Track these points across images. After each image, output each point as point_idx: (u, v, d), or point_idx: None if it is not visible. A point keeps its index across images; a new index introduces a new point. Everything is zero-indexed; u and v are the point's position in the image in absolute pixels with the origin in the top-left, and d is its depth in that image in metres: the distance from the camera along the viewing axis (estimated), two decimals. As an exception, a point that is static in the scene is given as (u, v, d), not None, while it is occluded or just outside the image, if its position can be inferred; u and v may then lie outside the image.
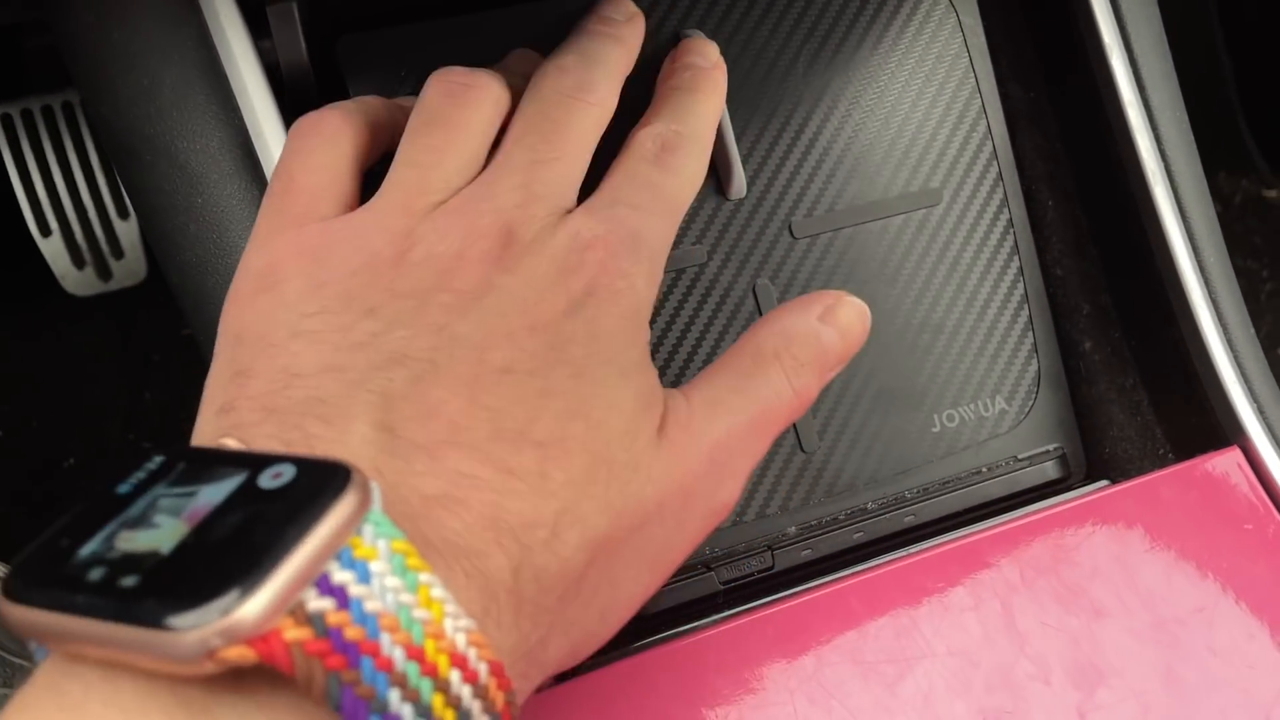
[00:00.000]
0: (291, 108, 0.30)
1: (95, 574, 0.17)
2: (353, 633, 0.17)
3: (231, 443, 0.21)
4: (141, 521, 0.18)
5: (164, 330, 0.81)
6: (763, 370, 0.27)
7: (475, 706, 0.19)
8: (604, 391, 0.25)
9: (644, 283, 0.27)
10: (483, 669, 0.19)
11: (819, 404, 0.36)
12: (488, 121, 0.28)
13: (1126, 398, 0.39)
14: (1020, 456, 0.38)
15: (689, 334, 0.36)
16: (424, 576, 0.19)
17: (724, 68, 0.34)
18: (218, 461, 0.19)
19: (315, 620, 0.17)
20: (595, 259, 0.26)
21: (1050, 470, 0.37)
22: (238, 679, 0.17)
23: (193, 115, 0.30)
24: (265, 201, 0.27)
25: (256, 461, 0.19)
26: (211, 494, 0.19)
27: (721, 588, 0.34)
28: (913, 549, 0.35)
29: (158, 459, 0.20)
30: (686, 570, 0.34)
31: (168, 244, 0.31)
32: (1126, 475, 0.38)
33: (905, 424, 0.37)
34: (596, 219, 0.27)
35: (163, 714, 0.17)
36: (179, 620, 0.16)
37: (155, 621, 0.16)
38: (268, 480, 0.19)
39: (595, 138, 0.30)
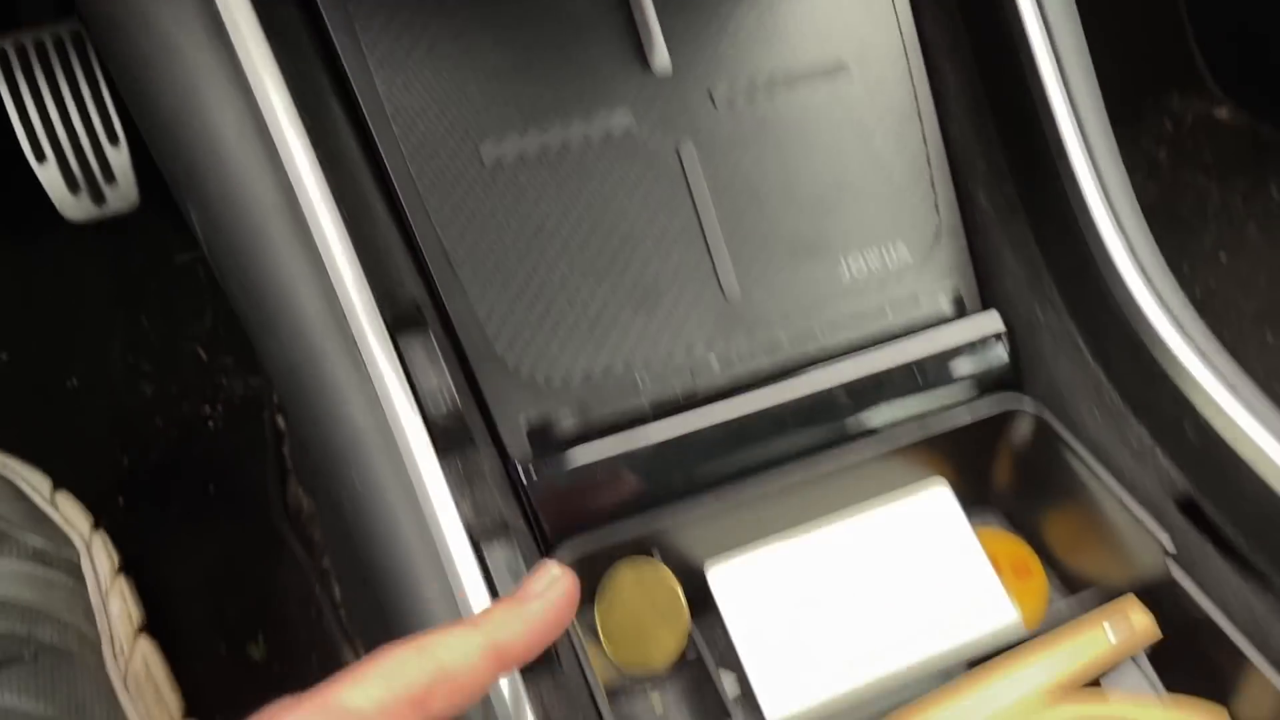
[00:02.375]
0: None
1: None
2: None
3: None
4: None
5: (158, 257, 0.85)
6: None
7: None
8: None
9: None
10: None
11: (738, 254, 0.41)
12: None
13: (1016, 242, 0.43)
14: (919, 296, 0.42)
15: (618, 193, 0.40)
16: None
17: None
18: None
19: None
20: None
21: (945, 303, 0.42)
22: None
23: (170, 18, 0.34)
24: None
25: None
26: None
27: (649, 406, 0.39)
28: (818, 373, 0.40)
29: None
30: (619, 393, 0.38)
31: (145, 102, 0.35)
32: (1016, 309, 0.42)
33: (817, 271, 0.41)
34: None
35: None
36: None
37: None
38: None
39: None
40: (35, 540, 0.58)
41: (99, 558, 0.60)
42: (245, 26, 0.35)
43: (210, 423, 0.82)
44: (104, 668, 0.55)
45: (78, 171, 0.76)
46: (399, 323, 0.35)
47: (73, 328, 0.83)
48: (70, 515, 0.61)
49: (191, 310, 0.86)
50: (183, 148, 0.35)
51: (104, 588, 0.59)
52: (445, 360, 0.36)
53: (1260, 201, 1.02)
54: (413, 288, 0.38)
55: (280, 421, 0.83)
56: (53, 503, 0.62)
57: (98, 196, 0.77)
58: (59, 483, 0.64)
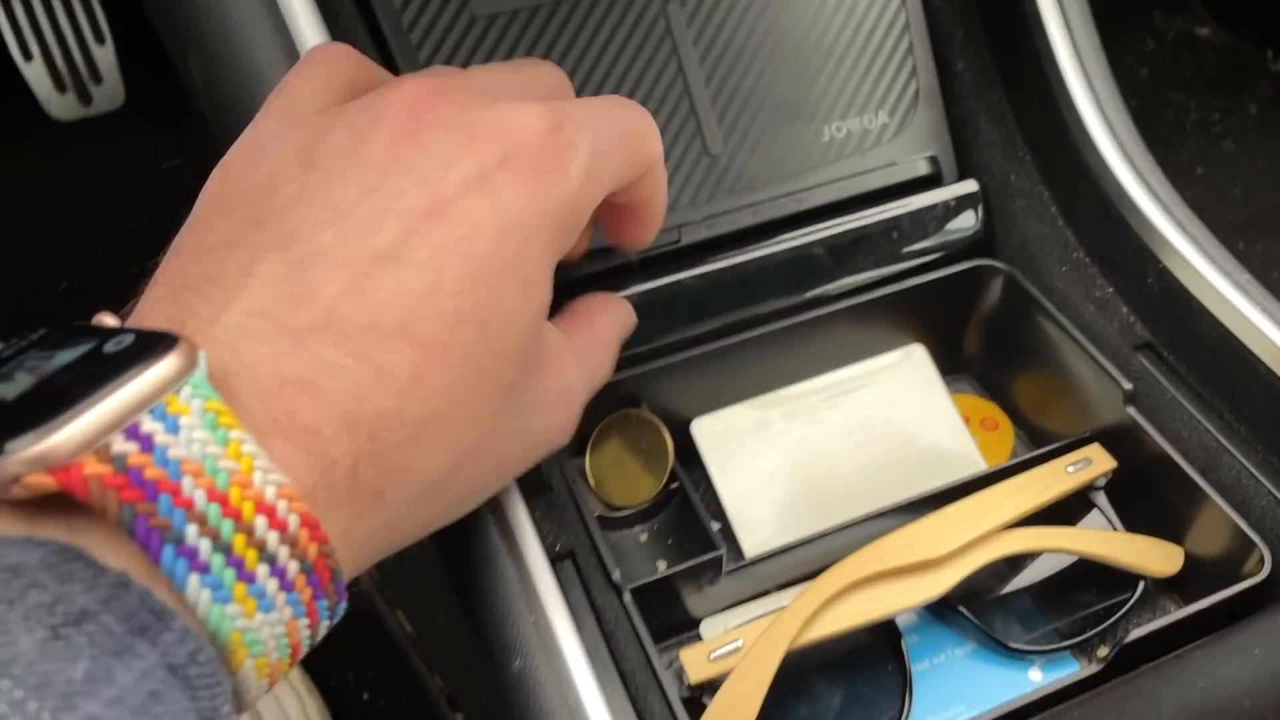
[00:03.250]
0: None
1: None
2: (153, 473, 0.19)
3: (109, 319, 0.23)
4: (4, 377, 0.21)
5: (145, 160, 0.86)
6: (606, 356, 0.32)
7: (282, 551, 0.20)
8: (503, 302, 0.24)
9: (580, 177, 0.25)
10: (292, 520, 0.20)
11: (723, 114, 0.42)
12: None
13: (993, 110, 0.44)
14: (898, 161, 0.43)
15: (606, 51, 0.41)
16: (235, 434, 0.20)
17: None
18: (81, 333, 0.22)
19: (117, 460, 0.19)
20: (519, 129, 0.24)
21: (922, 168, 0.43)
22: (61, 506, 0.19)
23: None
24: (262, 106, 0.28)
25: (108, 333, 0.21)
26: (64, 357, 0.21)
27: (634, 260, 0.40)
28: (798, 230, 0.41)
29: (42, 330, 0.23)
30: (607, 250, 0.40)
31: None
32: (990, 175, 0.44)
33: (798, 133, 0.43)
34: (537, 104, 0.25)
35: None
36: None
37: None
38: (110, 347, 0.21)
39: None
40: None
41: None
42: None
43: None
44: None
45: (64, 70, 0.76)
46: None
47: (61, 230, 0.83)
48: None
49: (180, 216, 0.86)
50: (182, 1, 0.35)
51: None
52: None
53: (1238, 117, 1.04)
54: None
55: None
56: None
57: (84, 96, 0.77)
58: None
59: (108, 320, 0.23)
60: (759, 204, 0.42)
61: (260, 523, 0.20)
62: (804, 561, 0.37)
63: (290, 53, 0.35)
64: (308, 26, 0.35)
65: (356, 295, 0.22)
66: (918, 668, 0.37)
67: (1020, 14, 0.43)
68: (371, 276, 0.22)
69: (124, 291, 0.78)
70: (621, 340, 0.35)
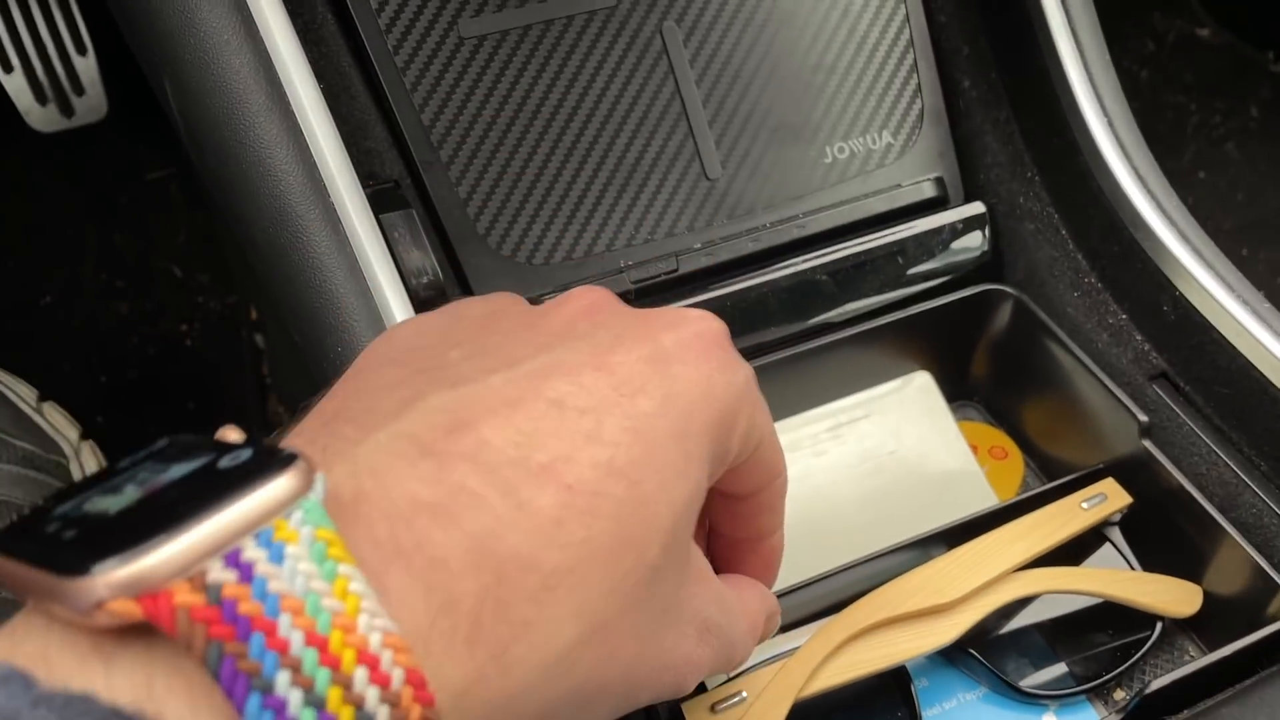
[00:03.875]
0: None
1: (51, 527, 0.18)
2: (248, 607, 0.17)
3: (233, 434, 0.21)
4: (113, 489, 0.19)
5: (129, 174, 0.84)
6: (751, 625, 0.28)
7: (382, 711, 0.18)
8: (659, 468, 0.23)
9: (744, 381, 0.25)
10: (397, 674, 0.18)
11: (721, 136, 0.40)
12: None
13: (1000, 129, 0.43)
14: (902, 184, 0.42)
15: (596, 79, 0.39)
16: (344, 568, 0.19)
17: None
18: (202, 447, 0.20)
19: (211, 589, 0.17)
20: (695, 320, 0.25)
21: (928, 190, 0.42)
22: (145, 638, 0.18)
23: None
24: None
25: (225, 447, 0.20)
26: (177, 471, 0.19)
27: (633, 286, 0.38)
28: (800, 256, 0.40)
29: (163, 441, 0.21)
30: (602, 273, 0.38)
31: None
32: (998, 196, 0.42)
33: (799, 155, 0.41)
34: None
35: (61, 651, 0.17)
36: (80, 570, 0.17)
37: (64, 569, 0.17)
38: (226, 462, 0.19)
39: None
40: (25, 445, 0.58)
41: (88, 463, 0.60)
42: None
43: (188, 340, 0.82)
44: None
45: (45, 82, 0.74)
46: (380, 200, 0.35)
47: (44, 243, 0.82)
48: (57, 423, 0.61)
49: (165, 228, 0.85)
50: (157, 19, 0.34)
51: (89, 492, 0.59)
52: (427, 238, 0.35)
53: (1239, 120, 1.02)
54: (393, 166, 0.37)
55: (259, 340, 0.82)
56: (39, 411, 0.61)
57: (66, 107, 0.75)
58: (42, 397, 0.63)
59: (232, 435, 0.21)
60: (759, 230, 0.40)
61: (360, 675, 0.18)
62: (809, 601, 0.36)
63: (270, 78, 0.33)
64: (287, 53, 0.33)
65: (511, 429, 0.22)
66: (929, 713, 0.35)
67: (1027, 30, 0.41)
68: (532, 416, 0.22)
69: (111, 306, 0.76)
70: (764, 637, 0.30)
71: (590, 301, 0.25)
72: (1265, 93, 1.05)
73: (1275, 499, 0.35)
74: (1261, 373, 0.35)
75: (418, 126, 0.37)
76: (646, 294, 0.39)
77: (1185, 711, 0.30)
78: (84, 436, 0.64)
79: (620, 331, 0.24)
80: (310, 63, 0.34)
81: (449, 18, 0.38)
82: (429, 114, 0.38)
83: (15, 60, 0.73)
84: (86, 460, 0.62)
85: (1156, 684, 0.31)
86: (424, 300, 0.34)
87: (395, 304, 0.33)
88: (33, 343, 0.79)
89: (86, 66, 0.74)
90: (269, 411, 0.79)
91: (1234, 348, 0.36)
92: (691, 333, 0.24)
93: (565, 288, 0.38)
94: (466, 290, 0.37)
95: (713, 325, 0.25)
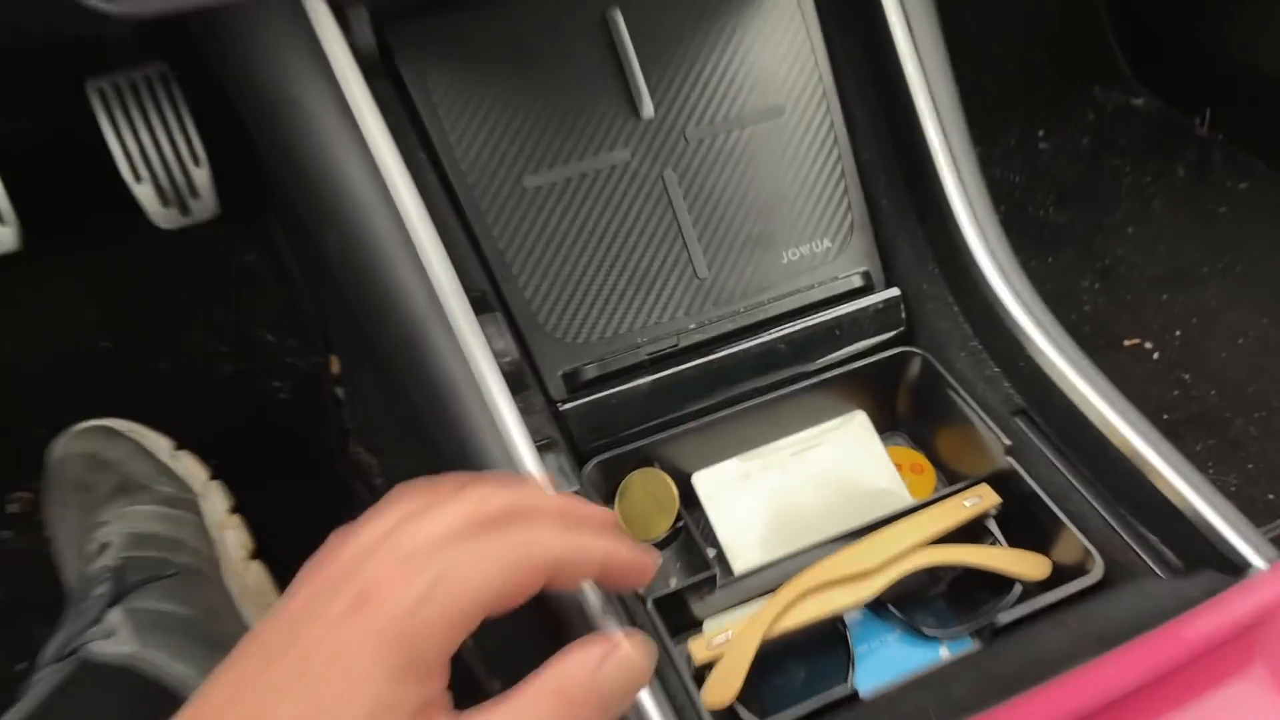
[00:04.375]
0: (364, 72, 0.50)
1: None
2: None
3: None
4: None
5: (229, 259, 1.01)
6: (536, 709, 0.30)
7: None
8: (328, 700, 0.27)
9: (413, 600, 0.29)
10: None
11: (707, 246, 0.57)
12: None
13: (908, 235, 0.59)
14: (839, 276, 0.58)
15: (618, 216, 0.56)
16: None
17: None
18: None
19: None
20: (370, 572, 0.29)
21: (857, 280, 0.58)
22: None
23: (303, 71, 0.50)
24: None
25: None
26: None
27: (646, 357, 0.55)
28: (767, 332, 0.56)
29: None
30: (623, 348, 0.55)
31: (291, 157, 0.51)
32: (907, 283, 0.59)
33: (765, 258, 0.58)
34: (401, 552, 0.30)
35: None
36: None
37: None
38: None
39: None
40: (165, 489, 0.74)
41: (216, 500, 0.77)
42: (362, 101, 0.50)
43: (281, 395, 0.99)
44: (224, 582, 0.72)
45: (168, 188, 0.92)
46: (476, 305, 0.51)
47: (161, 319, 0.99)
48: (190, 468, 0.78)
49: (258, 302, 1.02)
50: (324, 187, 0.51)
51: (220, 523, 0.75)
52: (507, 330, 0.52)
53: (1167, 180, 1.18)
54: (478, 276, 0.54)
55: (340, 392, 0.99)
56: (175, 458, 0.78)
57: (184, 209, 0.93)
58: (176, 446, 0.80)
59: None
60: (737, 313, 0.57)
61: None
62: (777, 576, 0.52)
63: (399, 223, 0.50)
64: (413, 208, 0.50)
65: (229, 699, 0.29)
66: (859, 650, 0.51)
67: (922, 165, 0.58)
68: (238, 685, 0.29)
69: (216, 369, 0.94)
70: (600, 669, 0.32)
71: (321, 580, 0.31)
72: (1191, 155, 1.21)
73: (1094, 497, 0.51)
74: (1080, 411, 0.51)
75: (497, 252, 0.54)
76: (657, 362, 0.55)
77: (1019, 634, 0.46)
78: (212, 477, 0.80)
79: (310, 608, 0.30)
80: (428, 210, 0.51)
81: (515, 174, 0.55)
82: (503, 242, 0.54)
83: (145, 172, 0.90)
84: (215, 497, 0.78)
85: (1004, 617, 0.47)
86: (509, 374, 0.50)
87: (491, 380, 0.49)
88: (157, 402, 0.96)
89: (201, 174, 0.92)
90: (350, 451, 0.96)
91: (1063, 392, 0.52)
92: (364, 587, 0.29)
93: (601, 360, 0.54)
94: (532, 365, 0.54)
95: (386, 569, 0.30)
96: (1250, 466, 0.93)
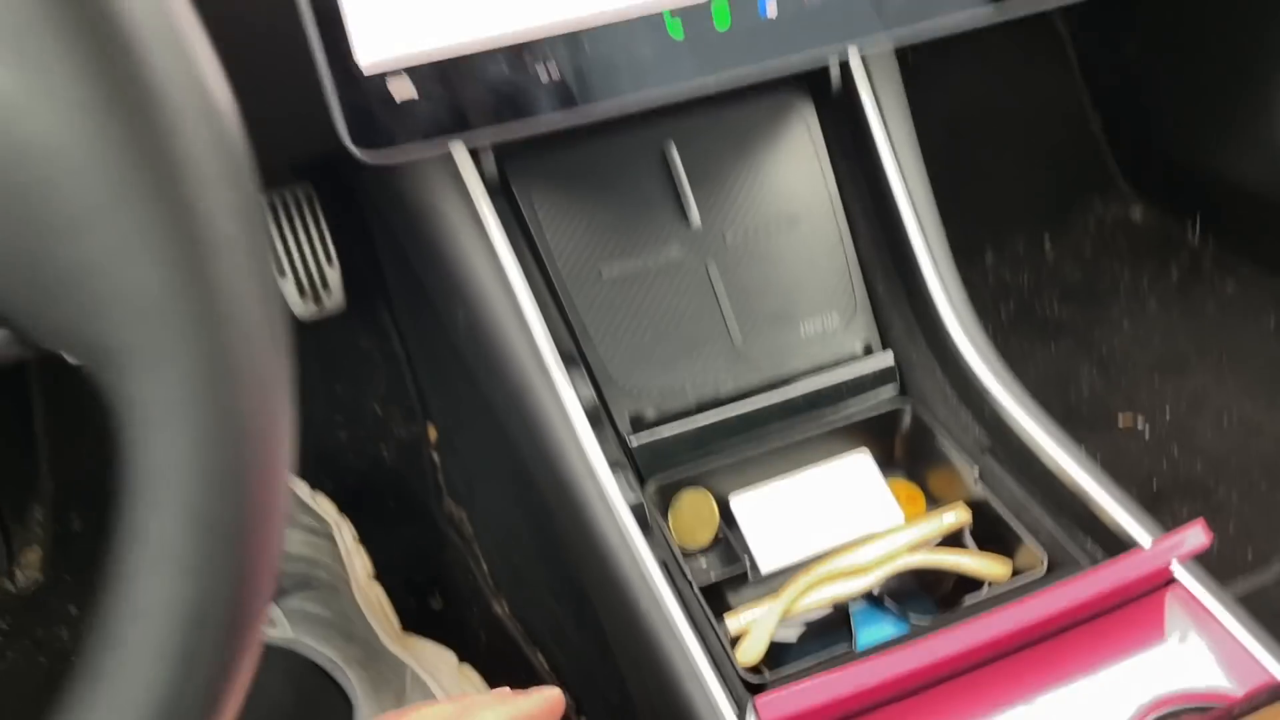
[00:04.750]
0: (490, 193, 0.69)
1: None
2: None
3: None
4: None
5: (350, 343, 1.21)
6: None
7: None
8: None
9: None
10: None
11: (742, 322, 0.74)
12: None
13: (901, 314, 0.76)
14: (845, 345, 0.75)
15: (672, 298, 0.73)
16: None
17: None
18: None
19: None
20: None
21: (860, 349, 0.74)
22: None
23: (448, 192, 0.69)
24: None
25: None
26: None
27: (694, 403, 0.71)
28: (788, 388, 0.73)
29: None
30: (681, 400, 0.71)
31: (432, 258, 0.69)
32: (899, 351, 0.75)
33: (787, 330, 0.74)
34: None
35: None
36: None
37: None
38: None
39: None
40: (306, 520, 0.92)
41: (345, 533, 0.94)
42: (487, 212, 0.69)
43: (386, 458, 1.16)
44: (353, 595, 0.88)
45: (305, 284, 1.12)
46: (566, 362, 0.69)
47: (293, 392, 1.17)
48: (324, 507, 0.95)
49: (370, 380, 1.21)
50: (456, 273, 0.69)
51: (350, 550, 0.92)
52: (589, 382, 0.69)
53: (1161, 281, 1.33)
54: (569, 344, 0.72)
55: (435, 457, 1.17)
56: (312, 499, 0.95)
57: (318, 301, 1.12)
58: (312, 488, 0.97)
59: None
60: (764, 372, 0.73)
61: None
62: (794, 574, 0.67)
63: (513, 305, 0.68)
64: (520, 292, 0.68)
65: None
66: (860, 633, 0.66)
67: (910, 262, 0.74)
68: None
69: (334, 435, 1.13)
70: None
71: None
72: (1184, 259, 1.36)
73: (1044, 514, 0.66)
74: (1031, 450, 0.66)
75: (581, 324, 0.72)
76: (702, 409, 0.72)
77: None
78: (340, 514, 0.97)
79: None
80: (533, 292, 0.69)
81: (596, 266, 0.73)
82: (586, 316, 0.72)
83: (287, 268, 1.11)
84: (345, 530, 0.95)
85: (968, 600, 0.62)
86: (589, 413, 0.67)
87: (576, 418, 0.66)
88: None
89: (333, 273, 1.12)
90: (444, 505, 1.13)
91: (1018, 436, 0.67)
92: None
93: (660, 406, 0.71)
94: (606, 408, 0.71)
95: None
96: (1231, 529, 1.05)
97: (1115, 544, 0.62)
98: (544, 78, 0.58)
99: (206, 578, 0.25)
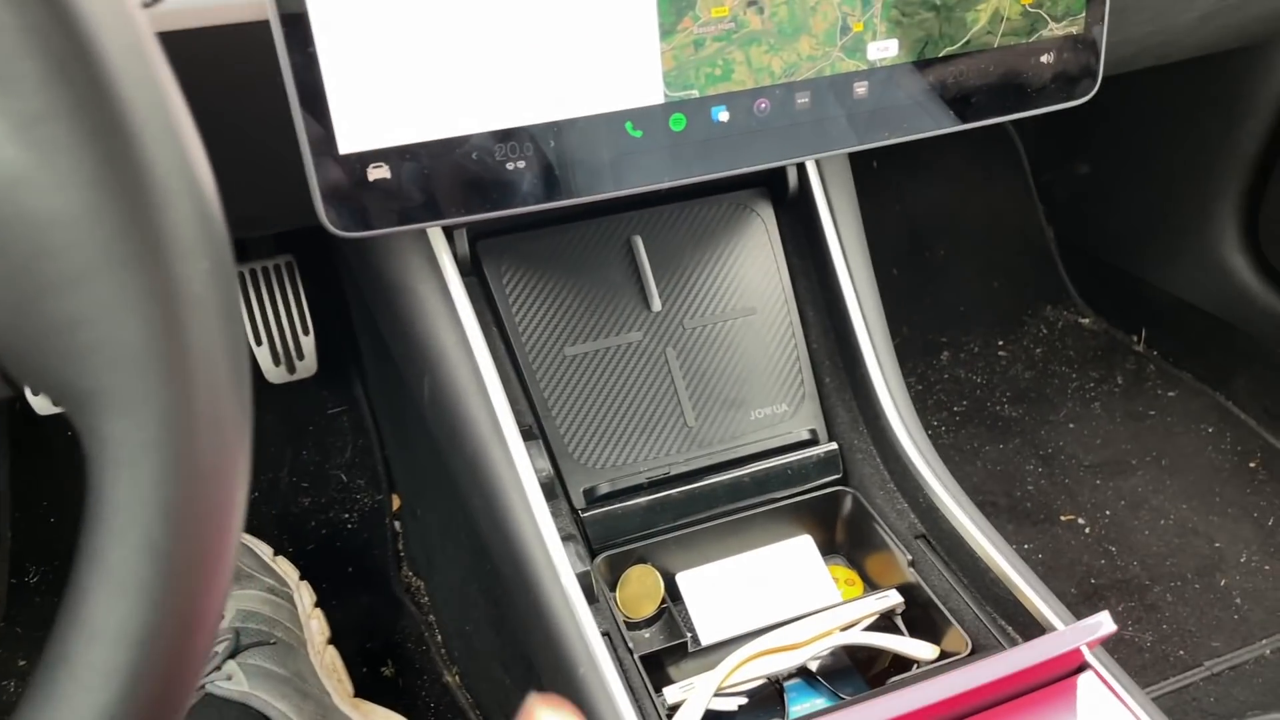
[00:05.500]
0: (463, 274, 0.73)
1: None
2: None
3: None
4: None
5: (318, 409, 1.23)
6: None
7: None
8: None
9: None
10: None
11: (695, 404, 0.78)
12: None
13: (845, 404, 0.80)
14: (792, 431, 0.79)
15: (631, 379, 0.78)
16: None
17: None
18: None
19: None
20: None
21: (805, 435, 0.78)
22: None
23: (420, 268, 0.73)
24: None
25: None
26: None
27: (645, 480, 0.75)
28: (736, 470, 0.76)
29: None
30: (630, 474, 0.75)
31: (400, 330, 0.73)
32: (843, 439, 0.79)
33: (739, 414, 0.78)
34: None
35: None
36: None
37: None
38: None
39: None
40: (267, 579, 0.94)
41: (305, 596, 0.95)
42: (457, 290, 0.73)
43: (349, 525, 1.18)
44: (309, 658, 0.90)
45: (280, 350, 1.15)
46: (525, 434, 0.72)
47: (257, 458, 1.19)
48: (285, 569, 0.97)
49: (337, 447, 1.23)
50: (425, 345, 0.73)
51: (308, 613, 0.94)
52: (545, 455, 0.72)
53: (1107, 386, 1.39)
54: (529, 417, 0.75)
55: (397, 525, 1.19)
56: (274, 560, 0.97)
57: (291, 368, 1.16)
58: (275, 552, 0.99)
59: None
60: (714, 454, 0.77)
61: None
62: (732, 648, 0.69)
63: (476, 378, 0.71)
64: (485, 367, 0.72)
65: None
66: (793, 709, 0.68)
67: (856, 355, 0.79)
68: None
69: (298, 501, 1.16)
70: None
71: None
72: (1129, 366, 1.42)
73: (970, 600, 0.69)
74: (961, 536, 0.70)
75: (542, 399, 0.75)
76: (653, 485, 0.75)
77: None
78: (302, 577, 0.99)
79: None
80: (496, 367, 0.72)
81: (558, 346, 0.77)
82: (547, 391, 0.76)
83: (263, 336, 1.14)
84: (304, 594, 0.97)
85: (895, 679, 0.65)
86: (544, 485, 0.70)
87: (531, 489, 0.69)
88: (251, 522, 1.16)
89: (307, 341, 1.15)
90: (403, 573, 1.14)
91: (949, 522, 0.71)
92: None
93: (613, 481, 0.74)
94: (561, 481, 0.74)
95: None
96: (1164, 627, 1.08)
97: (1035, 629, 0.66)
98: (512, 168, 0.63)
99: (158, 603, 0.27)
